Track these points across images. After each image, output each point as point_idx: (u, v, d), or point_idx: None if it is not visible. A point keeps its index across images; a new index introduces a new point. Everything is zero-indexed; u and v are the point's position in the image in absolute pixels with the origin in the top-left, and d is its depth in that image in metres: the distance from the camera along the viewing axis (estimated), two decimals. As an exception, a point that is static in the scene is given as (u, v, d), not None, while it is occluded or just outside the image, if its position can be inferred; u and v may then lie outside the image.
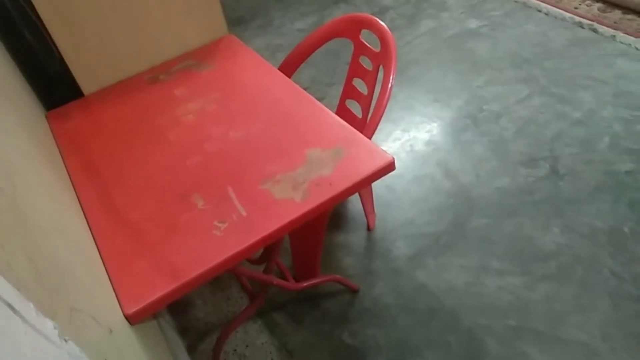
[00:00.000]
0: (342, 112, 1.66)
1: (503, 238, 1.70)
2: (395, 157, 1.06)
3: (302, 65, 1.62)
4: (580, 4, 2.74)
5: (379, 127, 1.37)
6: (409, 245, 1.73)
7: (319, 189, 1.02)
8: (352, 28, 1.53)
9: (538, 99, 2.20)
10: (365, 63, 1.52)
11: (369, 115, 1.41)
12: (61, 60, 1.38)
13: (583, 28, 2.55)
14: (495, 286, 1.58)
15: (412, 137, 2.13)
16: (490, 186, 1.88)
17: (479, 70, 2.41)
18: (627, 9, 2.64)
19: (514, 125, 2.10)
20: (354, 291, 1.63)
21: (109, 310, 0.81)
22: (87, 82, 1.44)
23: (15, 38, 1.32)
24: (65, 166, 1.20)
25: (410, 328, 1.51)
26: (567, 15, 2.65)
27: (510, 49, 2.51)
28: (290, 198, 1.01)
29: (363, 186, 1.06)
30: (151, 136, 1.25)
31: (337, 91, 1.69)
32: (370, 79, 1.49)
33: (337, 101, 1.68)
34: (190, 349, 1.55)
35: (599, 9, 2.68)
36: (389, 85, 1.35)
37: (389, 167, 1.06)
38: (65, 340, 0.51)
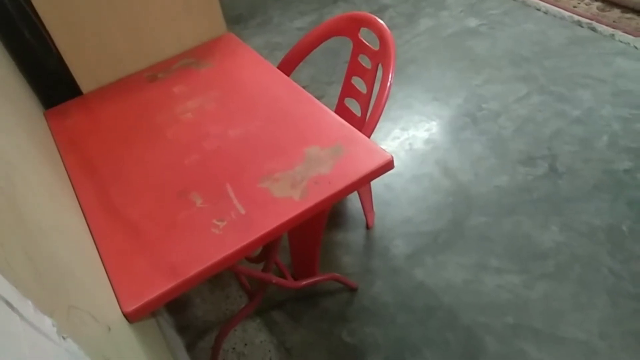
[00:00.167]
0: (341, 110, 1.66)
1: (502, 236, 1.70)
2: (394, 155, 1.06)
3: (301, 63, 1.62)
4: (579, 3, 2.74)
5: (377, 125, 1.37)
6: (407, 243, 1.73)
7: (318, 187, 1.02)
8: (351, 26, 1.53)
9: (537, 98, 2.21)
10: (364, 61, 1.52)
11: (368, 113, 1.41)
12: (60, 59, 1.37)
13: (582, 27, 2.56)
14: (493, 284, 1.58)
15: (411, 136, 2.13)
16: (489, 185, 1.88)
17: (478, 69, 2.41)
18: (626, 8, 2.64)
19: (513, 123, 2.11)
20: (353, 289, 1.63)
21: (108, 308, 0.81)
22: (85, 80, 1.44)
23: (13, 36, 1.32)
24: (64, 164, 1.20)
25: (408, 326, 1.51)
26: (566, 14, 2.65)
27: (509, 48, 2.51)
28: (289, 196, 1.01)
29: (362, 184, 1.06)
30: (150, 134, 1.25)
31: (336, 90, 1.69)
32: (369, 77, 1.49)
33: (336, 100, 1.68)
34: (189, 347, 1.55)
35: (597, 8, 2.68)
36: (388, 84, 1.35)
37: (388, 165, 1.06)
38: (64, 338, 0.51)
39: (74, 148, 1.25)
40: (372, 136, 1.31)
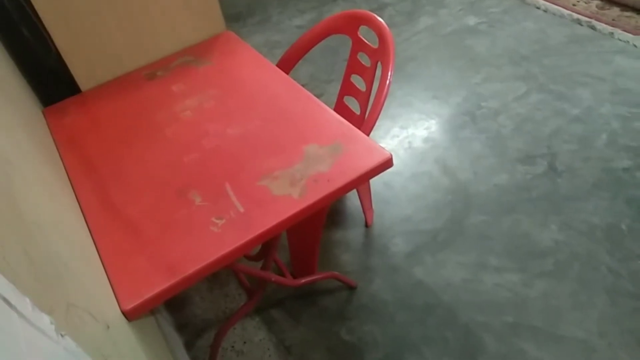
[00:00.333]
0: (340, 108, 1.66)
1: (501, 235, 1.70)
2: (393, 153, 1.06)
3: (300, 61, 1.62)
4: (578, 1, 2.74)
5: (377, 123, 1.37)
6: (406, 242, 1.73)
7: (317, 186, 1.02)
8: (350, 24, 1.53)
9: (536, 96, 2.21)
10: (364, 60, 1.51)
11: (367, 111, 1.40)
12: (58, 56, 1.37)
13: (581, 25, 2.56)
14: (492, 283, 1.58)
15: (410, 134, 2.13)
16: (488, 183, 1.88)
17: (477, 68, 2.41)
18: (625, 6, 2.64)
19: (512, 122, 2.10)
20: (352, 288, 1.63)
21: (106, 306, 0.81)
22: (84, 78, 1.43)
23: (12, 34, 1.32)
24: (63, 162, 1.20)
25: (407, 324, 1.51)
26: (566, 12, 2.65)
27: (508, 46, 2.51)
28: (288, 194, 1.01)
29: (361, 183, 1.06)
30: (149, 132, 1.25)
31: (335, 88, 1.68)
32: (368, 75, 1.49)
33: (335, 98, 1.68)
34: (188, 346, 1.55)
35: (597, 6, 2.68)
36: (387, 82, 1.35)
37: (387, 163, 1.06)
38: (62, 336, 0.51)
39: (72, 146, 1.25)
40: (371, 134, 1.31)
